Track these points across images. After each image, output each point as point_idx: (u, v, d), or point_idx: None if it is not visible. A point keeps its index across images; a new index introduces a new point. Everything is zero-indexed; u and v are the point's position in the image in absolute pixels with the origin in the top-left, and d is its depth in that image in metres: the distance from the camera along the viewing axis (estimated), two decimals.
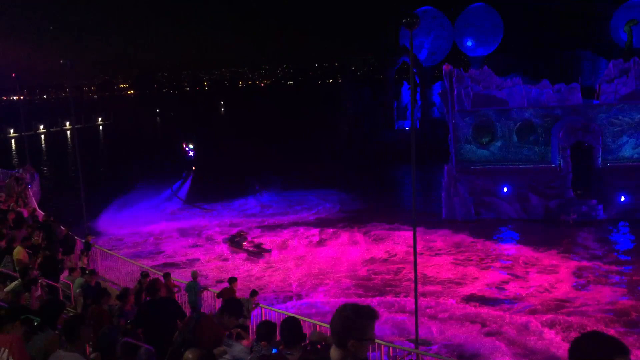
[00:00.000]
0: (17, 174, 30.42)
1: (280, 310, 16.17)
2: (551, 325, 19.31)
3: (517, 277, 24.59)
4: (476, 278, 24.58)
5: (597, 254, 26.88)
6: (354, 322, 3.24)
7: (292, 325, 5.88)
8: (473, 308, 21.18)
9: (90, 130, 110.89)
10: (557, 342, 18.00)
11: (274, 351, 6.19)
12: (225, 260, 28.67)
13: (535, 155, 34.53)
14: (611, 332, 18.11)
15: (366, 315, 3.28)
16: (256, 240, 31.25)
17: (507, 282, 23.97)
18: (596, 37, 56.54)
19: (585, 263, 25.67)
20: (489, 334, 18.92)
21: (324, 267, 26.93)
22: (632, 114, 33.27)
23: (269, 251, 29.62)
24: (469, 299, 22.24)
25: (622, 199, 32.16)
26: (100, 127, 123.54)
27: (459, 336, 18.85)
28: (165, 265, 26.66)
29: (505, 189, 33.56)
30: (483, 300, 22.09)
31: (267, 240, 31.37)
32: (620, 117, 33.38)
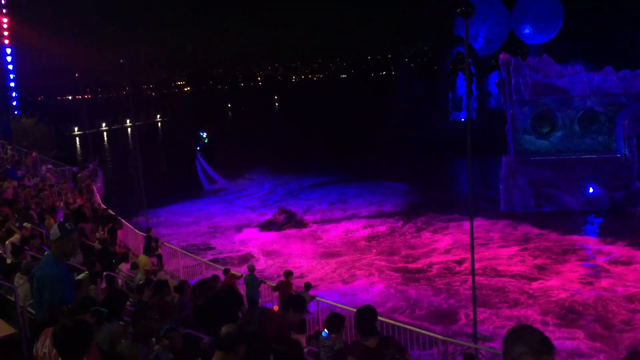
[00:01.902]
0: (75, 171, 31.55)
1: (336, 304, 16.20)
2: None
3: (602, 270, 23.81)
4: (557, 273, 23.89)
5: None
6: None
7: (368, 313, 5.87)
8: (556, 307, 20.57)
9: (149, 126, 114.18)
10: None
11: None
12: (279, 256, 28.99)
13: (598, 145, 33.25)
14: None
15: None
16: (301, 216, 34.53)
17: (593, 277, 23.19)
18: None
19: None
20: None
21: (381, 257, 26.97)
22: None
23: (306, 224, 33.30)
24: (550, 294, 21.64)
25: None
26: (159, 124, 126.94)
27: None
28: (218, 260, 27.18)
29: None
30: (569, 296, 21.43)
31: (329, 231, 31.69)
32: None
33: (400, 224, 32.80)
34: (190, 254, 21.49)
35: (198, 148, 52.98)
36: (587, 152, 32.98)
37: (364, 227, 32.84)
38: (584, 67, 35.55)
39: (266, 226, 33.48)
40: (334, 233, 32.17)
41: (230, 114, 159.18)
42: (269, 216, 35.32)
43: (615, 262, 24.65)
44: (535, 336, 2.98)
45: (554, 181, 32.77)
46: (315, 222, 34.36)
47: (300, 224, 33.54)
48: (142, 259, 16.11)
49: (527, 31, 56.30)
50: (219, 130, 75.58)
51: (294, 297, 7.55)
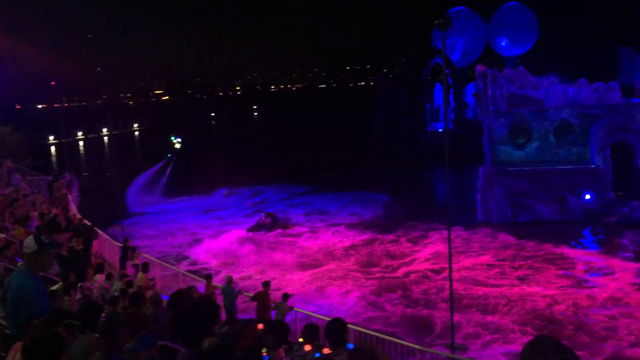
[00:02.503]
0: (51, 180, 31.02)
1: (314, 314, 16.13)
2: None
3: (581, 279, 24.15)
4: (536, 281, 24.13)
5: None
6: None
7: (339, 326, 5.87)
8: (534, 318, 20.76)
9: (126, 135, 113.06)
10: None
11: (316, 355, 6.18)
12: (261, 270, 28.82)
13: (573, 156, 33.78)
14: None
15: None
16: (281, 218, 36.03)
17: (572, 285, 23.47)
18: (635, 34, 55.06)
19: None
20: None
21: (359, 267, 27.00)
22: None
23: (289, 226, 34.76)
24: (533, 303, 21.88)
25: None
26: (136, 133, 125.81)
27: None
28: (195, 271, 26.92)
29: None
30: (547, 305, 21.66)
31: (305, 245, 31.72)
32: None
33: (380, 234, 32.88)
34: (167, 265, 21.24)
35: (169, 155, 52.32)
36: (562, 163, 33.47)
37: (344, 237, 32.85)
38: (558, 80, 36.21)
39: (256, 229, 34.41)
40: (314, 243, 32.13)
41: (213, 122, 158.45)
42: (250, 224, 35.43)
43: (592, 270, 24.99)
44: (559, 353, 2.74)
45: (529, 191, 33.17)
46: (295, 234, 34.30)
47: (285, 226, 34.88)
48: (140, 276, 15.92)
49: (503, 44, 57.21)
50: (201, 139, 75.46)
51: (277, 324, 7.53)
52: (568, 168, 32.85)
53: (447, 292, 18.88)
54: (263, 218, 35.67)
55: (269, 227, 34.49)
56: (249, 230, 34.58)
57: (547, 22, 57.06)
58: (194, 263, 28.86)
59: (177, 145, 57.27)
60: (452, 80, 58.94)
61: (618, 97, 33.99)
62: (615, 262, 25.69)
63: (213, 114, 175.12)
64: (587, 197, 31.92)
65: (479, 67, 36.29)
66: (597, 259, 26.31)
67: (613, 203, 31.66)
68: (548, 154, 34.10)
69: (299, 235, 34.03)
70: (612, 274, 24.40)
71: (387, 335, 13.50)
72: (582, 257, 26.86)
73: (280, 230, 34.54)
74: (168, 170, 50.89)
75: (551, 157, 34.02)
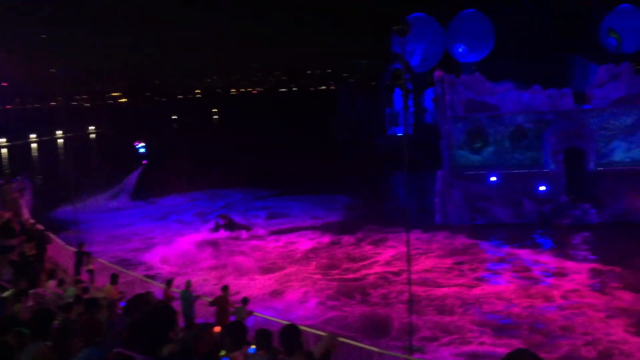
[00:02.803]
0: (2, 183, 30.06)
1: (274, 318, 16.08)
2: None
3: (537, 280, 24.74)
4: (494, 283, 24.58)
5: (603, 257, 26.98)
6: None
7: (291, 332, 5.90)
8: (482, 315, 21.17)
9: (81, 138, 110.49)
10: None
11: None
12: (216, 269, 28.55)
13: (527, 160, 34.63)
14: None
15: None
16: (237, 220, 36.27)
17: (528, 287, 23.94)
18: (586, 43, 56.90)
19: (595, 265, 25.99)
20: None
21: (319, 270, 27.06)
22: (623, 119, 33.47)
23: (250, 227, 35.11)
24: (483, 302, 22.29)
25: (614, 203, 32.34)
26: (92, 136, 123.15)
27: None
28: (152, 276, 26.49)
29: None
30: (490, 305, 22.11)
31: (267, 248, 31.63)
32: (611, 122, 33.56)
33: (341, 236, 33.04)
34: (124, 270, 20.83)
35: (144, 162, 51.74)
36: (517, 167, 34.30)
37: (305, 240, 32.83)
38: (513, 86, 37.11)
39: (213, 231, 34.57)
40: (274, 246, 32.02)
41: (175, 125, 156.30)
42: (208, 227, 35.30)
43: (547, 271, 25.64)
44: None
45: (486, 195, 33.84)
46: (256, 237, 34.15)
47: (242, 228, 34.87)
48: (108, 288, 15.41)
49: (460, 50, 58.29)
50: (165, 143, 74.28)
51: (236, 326, 7.49)
52: (523, 172, 33.68)
53: (405, 294, 19.10)
54: (218, 221, 35.80)
55: (225, 229, 34.64)
56: (210, 231, 34.71)
57: (503, 29, 58.36)
58: (149, 268, 28.30)
59: (142, 150, 56.63)
60: (411, 86, 59.61)
61: (570, 103, 35.05)
62: (569, 264, 26.44)
63: (175, 117, 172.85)
64: (542, 188, 32.75)
65: (437, 73, 36.88)
66: (552, 261, 27.03)
67: (566, 206, 32.60)
68: (504, 159, 34.87)
69: (259, 238, 33.89)
70: (566, 275, 25.10)
71: (346, 338, 13.53)
72: (537, 258, 27.55)
73: (238, 234, 34.33)
74: (136, 175, 50.14)
75: (507, 161, 34.81)
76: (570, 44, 57.37)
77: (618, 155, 33.70)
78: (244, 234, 34.52)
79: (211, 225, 35.80)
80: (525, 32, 59.63)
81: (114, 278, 15.87)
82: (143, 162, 51.82)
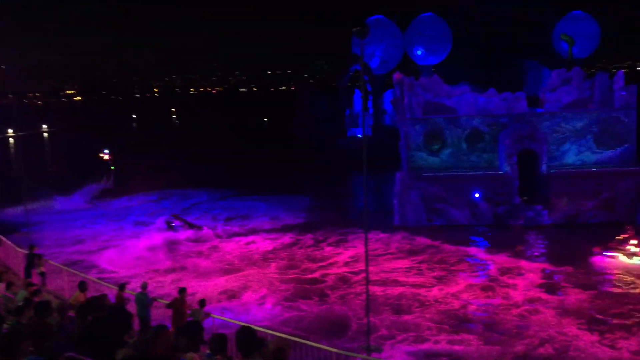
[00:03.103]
0: None
1: (232, 320, 15.96)
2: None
3: (493, 279, 25.22)
4: (451, 282, 24.99)
5: (556, 257, 27.74)
6: None
7: (247, 334, 5.88)
8: (437, 314, 21.49)
9: (34, 137, 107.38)
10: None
11: None
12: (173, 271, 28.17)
13: (483, 162, 35.37)
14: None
15: None
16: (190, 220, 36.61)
17: (484, 286, 24.44)
18: (540, 48, 58.47)
19: (547, 265, 26.74)
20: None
21: (278, 271, 27.01)
22: (574, 122, 34.54)
23: (201, 227, 35.08)
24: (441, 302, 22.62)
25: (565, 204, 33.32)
26: (45, 135, 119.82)
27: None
28: (106, 278, 25.96)
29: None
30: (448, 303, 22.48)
31: (226, 249, 31.34)
32: (563, 125, 34.59)
33: (301, 237, 33.05)
34: (76, 272, 20.33)
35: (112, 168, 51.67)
36: (473, 169, 34.98)
37: (264, 241, 32.73)
38: (470, 89, 37.83)
39: (167, 230, 34.70)
40: (234, 247, 31.78)
41: (135, 124, 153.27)
42: (163, 228, 35.28)
43: (503, 271, 26.14)
44: None
45: (443, 196, 34.38)
46: (216, 238, 33.84)
47: (194, 228, 35.03)
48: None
49: (419, 53, 59.07)
50: (124, 143, 72.96)
51: (191, 325, 7.42)
52: (478, 174, 34.36)
53: (363, 294, 19.24)
54: (169, 220, 36.01)
55: (177, 229, 34.74)
56: (160, 231, 34.92)
57: (460, 33, 59.44)
58: (102, 271, 27.65)
59: (106, 157, 56.54)
60: (370, 87, 60.18)
61: (524, 106, 35.94)
62: (523, 263, 27.09)
63: (134, 116, 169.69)
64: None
65: (397, 75, 37.29)
66: (507, 260, 27.60)
67: (519, 208, 33.41)
68: (460, 160, 35.53)
69: (219, 239, 33.57)
70: (521, 274, 25.69)
71: (303, 339, 13.54)
72: (493, 258, 28.11)
73: (198, 235, 33.98)
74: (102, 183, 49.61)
75: (463, 163, 35.48)
76: (525, 49, 58.88)
77: (570, 158, 34.75)
78: (205, 235, 34.18)
79: (163, 225, 35.42)
80: (481, 37, 60.89)
81: (82, 285, 15.13)
82: (111, 168, 51.78)
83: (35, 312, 10.28)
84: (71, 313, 11.11)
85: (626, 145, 34.25)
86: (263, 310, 22.41)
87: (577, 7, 56.63)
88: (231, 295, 24.24)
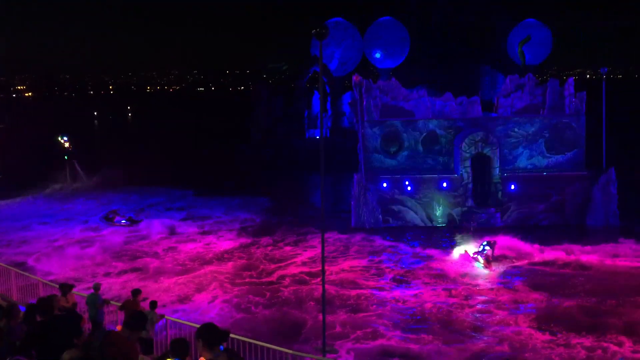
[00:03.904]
0: None
1: (185, 322, 15.72)
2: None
3: (450, 280, 25.68)
4: (409, 283, 25.24)
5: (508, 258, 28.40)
6: None
7: (210, 328, 6.07)
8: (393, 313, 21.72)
9: None
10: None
11: None
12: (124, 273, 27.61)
13: (439, 165, 35.95)
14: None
15: None
16: (128, 214, 37.40)
17: (441, 287, 24.86)
18: (495, 53, 59.86)
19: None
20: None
21: (234, 271, 26.84)
22: (527, 127, 35.47)
23: (140, 221, 36.10)
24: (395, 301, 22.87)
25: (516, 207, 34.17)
26: None
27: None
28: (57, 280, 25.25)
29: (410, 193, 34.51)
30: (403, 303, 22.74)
31: (186, 248, 30.91)
32: (516, 130, 35.47)
33: (258, 238, 32.92)
34: (24, 273, 19.67)
35: (65, 157, 50.89)
36: (430, 172, 35.50)
37: (221, 241, 32.59)
38: (427, 93, 38.40)
39: (107, 222, 36.10)
40: (191, 247, 31.42)
41: (96, 122, 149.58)
42: (118, 230, 34.92)
43: (458, 273, 26.60)
44: None
45: (399, 198, 34.76)
46: (172, 237, 33.38)
47: (133, 222, 36.10)
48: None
49: (377, 56, 59.61)
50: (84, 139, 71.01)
51: (132, 315, 7.31)
52: (434, 177, 34.89)
53: (319, 294, 19.28)
54: (109, 215, 36.95)
55: (116, 223, 35.88)
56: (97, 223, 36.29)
57: (417, 37, 60.30)
58: (48, 273, 26.82)
59: (66, 145, 55.47)
60: (329, 89, 60.37)
61: (479, 110, 36.69)
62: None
63: (94, 113, 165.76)
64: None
65: (355, 78, 37.55)
66: (462, 263, 28.06)
67: (473, 210, 34.08)
68: (417, 163, 36.02)
69: (175, 239, 33.12)
70: (477, 275, 26.20)
71: (257, 340, 13.46)
72: (448, 259, 28.58)
73: (145, 232, 34.12)
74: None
75: (420, 165, 35.98)
76: (480, 54, 60.18)
77: (522, 162, 35.66)
78: (154, 232, 34.12)
79: (122, 228, 34.85)
80: (438, 41, 61.89)
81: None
82: (65, 157, 50.97)
83: None
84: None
85: (575, 150, 35.36)
86: (217, 310, 22.26)
87: (531, 15, 58.26)
88: (184, 296, 23.97)
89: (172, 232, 34.63)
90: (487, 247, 27.48)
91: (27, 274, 19.84)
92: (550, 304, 22.56)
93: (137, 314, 7.41)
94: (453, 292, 24.13)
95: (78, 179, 50.33)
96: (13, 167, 54.66)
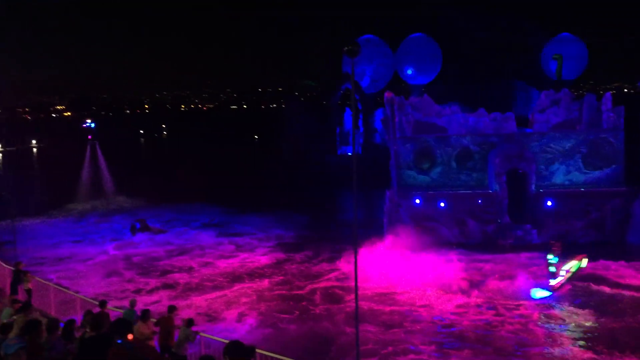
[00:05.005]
0: None
1: (219, 338, 15.77)
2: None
3: (487, 300, 25.14)
4: (445, 301, 24.89)
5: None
6: None
7: (236, 345, 6.29)
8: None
9: (23, 152, 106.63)
10: None
11: None
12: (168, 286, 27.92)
13: (473, 181, 35.53)
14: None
15: None
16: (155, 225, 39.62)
17: (480, 306, 24.42)
18: (528, 69, 59.16)
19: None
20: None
21: (267, 287, 26.90)
22: (563, 142, 34.85)
23: (165, 231, 38.40)
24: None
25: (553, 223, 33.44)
26: (35, 150, 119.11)
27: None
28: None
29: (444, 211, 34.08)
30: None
31: (221, 264, 31.13)
32: (552, 145, 34.88)
33: (294, 253, 33.12)
34: (63, 289, 20.09)
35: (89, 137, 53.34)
36: (463, 188, 35.11)
37: (259, 256, 32.88)
38: (460, 108, 38.12)
39: (132, 234, 38.06)
40: (226, 263, 31.75)
41: (142, 140, 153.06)
42: (156, 249, 35.61)
43: (498, 291, 26.01)
44: None
45: (432, 215, 34.42)
46: (207, 254, 33.67)
47: (157, 231, 38.33)
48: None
49: (409, 72, 59.52)
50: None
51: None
52: (468, 193, 34.48)
53: (351, 310, 19.15)
54: (135, 224, 38.75)
55: (141, 232, 37.89)
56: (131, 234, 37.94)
57: (449, 53, 60.00)
58: (82, 290, 27.30)
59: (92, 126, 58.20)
60: (361, 106, 60.44)
61: (513, 126, 36.23)
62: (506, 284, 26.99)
63: (142, 131, 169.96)
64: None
65: (387, 94, 37.56)
66: (497, 281, 27.41)
67: (508, 227, 33.50)
68: (450, 179, 35.67)
69: (210, 255, 33.45)
70: (515, 292, 25.53)
71: (286, 357, 13.43)
72: (484, 280, 27.90)
73: (191, 252, 34.16)
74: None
75: (453, 182, 35.61)
76: (514, 69, 59.53)
77: (558, 178, 35.00)
78: (155, 235, 37.06)
79: (158, 248, 35.23)
80: (470, 57, 61.53)
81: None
82: (89, 137, 52.71)
83: (25, 331, 10.10)
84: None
85: (614, 166, 34.57)
86: (246, 327, 22.37)
87: (566, 29, 57.49)
88: (215, 312, 24.14)
89: (206, 247, 34.97)
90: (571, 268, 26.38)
91: (65, 289, 20.26)
92: (594, 323, 21.99)
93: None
94: (493, 309, 23.64)
95: (113, 197, 51.24)
96: (52, 184, 56.15)
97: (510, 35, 61.88)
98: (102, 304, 15.54)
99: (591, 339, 20.50)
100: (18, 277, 19.37)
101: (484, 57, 61.13)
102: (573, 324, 22.03)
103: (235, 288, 27.17)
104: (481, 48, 61.42)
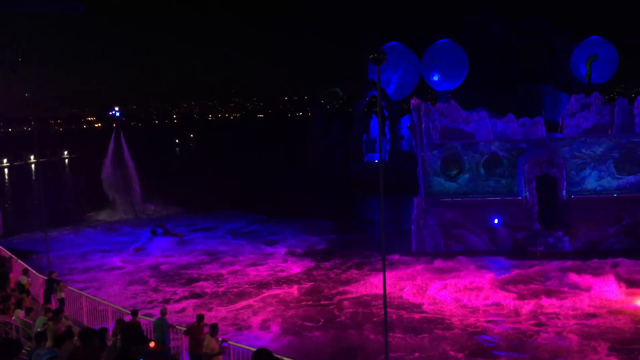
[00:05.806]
0: None
1: (247, 347, 15.80)
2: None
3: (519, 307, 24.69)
4: (473, 310, 24.59)
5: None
6: None
7: (263, 352, 6.27)
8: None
9: (55, 163, 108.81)
10: None
11: None
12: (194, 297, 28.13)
13: (501, 188, 35.05)
14: None
15: None
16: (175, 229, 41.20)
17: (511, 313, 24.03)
18: (557, 73, 58.36)
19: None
20: None
21: (296, 295, 26.92)
22: (594, 147, 34.18)
23: (182, 235, 39.83)
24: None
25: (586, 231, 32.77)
26: (66, 161, 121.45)
27: None
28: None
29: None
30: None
31: (251, 273, 31.34)
32: (582, 150, 34.23)
33: (322, 261, 33.12)
34: (95, 298, 20.39)
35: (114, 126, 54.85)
36: (492, 194, 34.66)
37: (289, 264, 32.96)
38: (487, 114, 37.71)
39: (152, 235, 39.67)
40: (255, 271, 31.81)
41: (177, 149, 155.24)
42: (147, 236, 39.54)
43: (531, 299, 25.49)
44: None
45: (461, 222, 34.06)
46: (237, 261, 33.83)
47: (175, 235, 39.72)
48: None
49: (435, 78, 59.27)
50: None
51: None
52: (497, 199, 34.04)
53: (379, 318, 19.02)
54: (155, 229, 40.22)
55: (162, 236, 39.27)
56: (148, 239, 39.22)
57: (476, 59, 59.59)
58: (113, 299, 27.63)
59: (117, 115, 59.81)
60: (387, 113, 60.35)
61: (543, 131, 35.71)
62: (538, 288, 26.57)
63: (177, 140, 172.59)
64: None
65: (413, 101, 37.35)
66: (528, 288, 27.00)
67: (539, 234, 32.94)
68: (478, 186, 35.25)
69: (239, 263, 33.59)
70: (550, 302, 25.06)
71: None
72: (511, 287, 27.48)
73: (220, 260, 34.30)
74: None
75: (481, 188, 35.19)
76: (541, 74, 58.79)
77: (590, 184, 34.32)
78: (177, 239, 38.45)
79: (188, 257, 35.46)
80: (497, 62, 60.97)
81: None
82: (114, 125, 54.07)
83: (80, 340, 10.29)
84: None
85: None
86: (274, 334, 22.39)
87: (595, 32, 56.62)
88: (242, 320, 24.21)
89: (236, 255, 35.16)
90: None
91: (97, 298, 20.55)
92: (629, 331, 21.48)
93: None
94: (529, 318, 23.23)
95: (142, 206, 51.80)
96: (85, 194, 57.11)
97: (538, 39, 61.19)
98: (134, 312, 15.78)
99: (626, 350, 19.98)
100: (51, 286, 19.73)
101: (511, 62, 60.53)
102: (609, 332, 21.51)
103: (263, 296, 27.23)
104: (508, 53, 60.83)
